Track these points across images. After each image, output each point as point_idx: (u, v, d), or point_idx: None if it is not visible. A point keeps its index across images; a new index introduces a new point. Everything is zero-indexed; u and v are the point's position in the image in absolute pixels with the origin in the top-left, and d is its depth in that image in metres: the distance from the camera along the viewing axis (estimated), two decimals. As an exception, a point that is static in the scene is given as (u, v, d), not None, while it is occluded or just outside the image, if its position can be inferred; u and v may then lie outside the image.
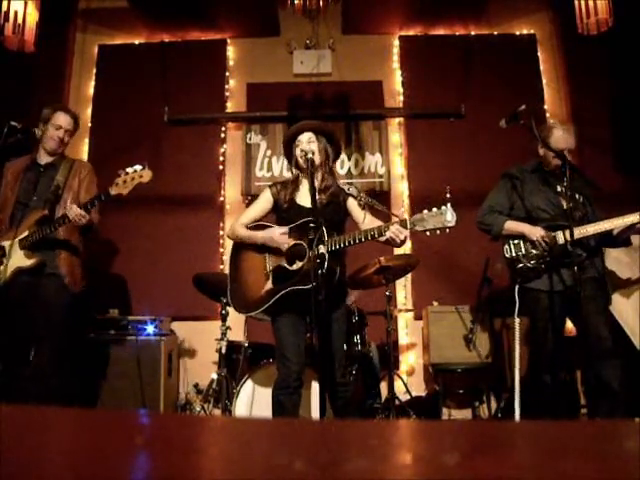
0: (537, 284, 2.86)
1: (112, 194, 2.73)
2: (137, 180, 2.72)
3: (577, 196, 2.89)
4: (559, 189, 2.96)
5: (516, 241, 2.91)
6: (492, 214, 3.04)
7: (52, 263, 2.91)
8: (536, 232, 2.84)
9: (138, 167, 2.74)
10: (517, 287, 2.88)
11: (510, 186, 3.07)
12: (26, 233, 2.84)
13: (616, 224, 2.75)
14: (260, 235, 2.56)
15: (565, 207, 2.87)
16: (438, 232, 2.26)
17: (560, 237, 2.80)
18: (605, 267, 2.97)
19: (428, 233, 2.27)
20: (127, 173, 2.72)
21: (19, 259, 2.84)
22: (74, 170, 3.08)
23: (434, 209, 2.26)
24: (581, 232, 2.72)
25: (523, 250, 2.88)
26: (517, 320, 2.90)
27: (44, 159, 3.07)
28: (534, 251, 2.85)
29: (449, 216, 2.22)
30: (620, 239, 2.89)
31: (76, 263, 3.02)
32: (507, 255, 2.94)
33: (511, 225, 2.95)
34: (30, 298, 2.86)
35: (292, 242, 2.47)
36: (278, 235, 2.49)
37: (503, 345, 3.86)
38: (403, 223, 2.30)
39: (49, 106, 3.08)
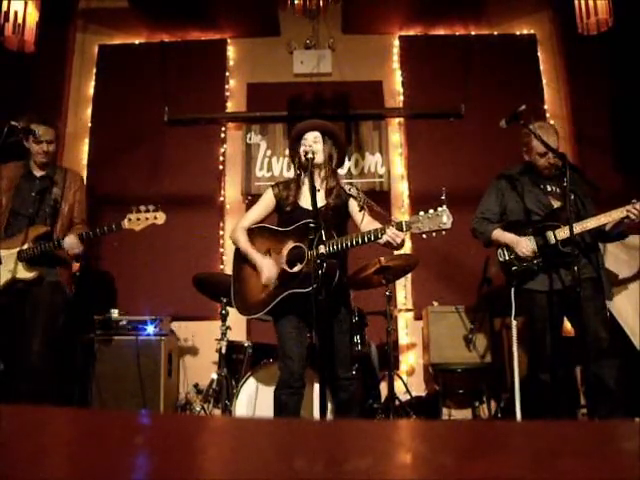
0: (533, 284, 2.87)
1: (124, 227, 2.81)
2: (151, 221, 2.82)
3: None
4: (549, 189, 2.97)
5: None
6: (482, 222, 3.06)
7: (51, 272, 2.96)
8: (519, 246, 2.86)
9: (151, 207, 2.83)
10: (513, 289, 2.90)
11: (502, 188, 3.07)
12: (26, 246, 2.88)
13: (603, 221, 2.76)
14: (256, 258, 2.55)
15: (555, 207, 2.89)
16: (434, 234, 2.26)
17: (550, 237, 2.82)
18: (602, 266, 2.97)
19: (424, 235, 2.27)
20: (140, 211, 2.81)
21: (17, 270, 2.87)
22: (68, 181, 3.12)
23: (430, 211, 2.26)
24: (567, 232, 2.73)
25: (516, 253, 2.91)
26: (514, 322, 2.92)
27: (38, 172, 3.09)
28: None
29: (445, 218, 2.22)
30: (614, 234, 2.90)
31: (70, 274, 3.13)
32: (501, 259, 2.96)
33: (498, 235, 2.97)
34: (26, 300, 2.89)
35: (276, 282, 2.47)
36: (268, 273, 2.48)
37: (503, 345, 3.86)
38: (399, 226, 2.30)
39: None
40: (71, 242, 2.83)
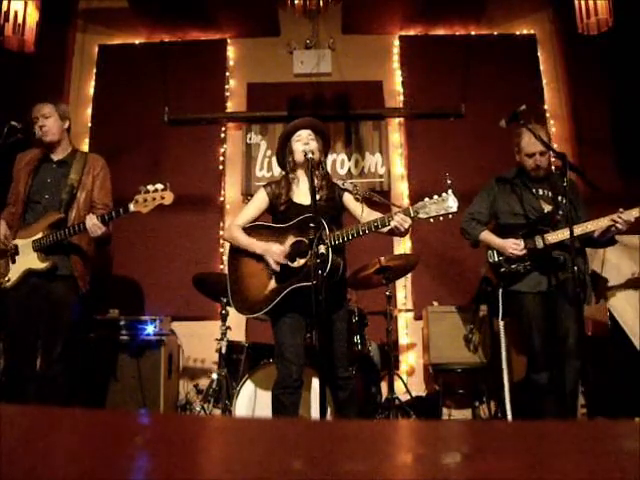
0: (521, 286, 2.91)
1: (131, 210, 2.70)
2: (158, 201, 2.69)
3: (560, 198, 2.91)
4: (541, 192, 2.99)
5: None
6: (470, 222, 3.09)
7: (65, 265, 2.86)
8: (508, 247, 2.88)
9: (159, 186, 2.70)
10: (501, 290, 2.95)
11: (494, 191, 3.11)
12: (40, 235, 2.80)
13: (590, 228, 2.79)
14: (259, 246, 2.53)
15: (546, 210, 2.91)
16: (441, 218, 2.29)
17: (539, 241, 2.84)
18: (588, 266, 3.01)
19: (432, 220, 2.30)
20: (148, 191, 2.68)
21: (31, 261, 2.79)
22: (87, 167, 3.01)
23: (435, 196, 2.30)
24: (557, 237, 2.79)
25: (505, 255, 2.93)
26: (501, 323, 2.98)
27: (56, 156, 3.01)
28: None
29: (451, 202, 2.25)
30: (602, 240, 2.91)
31: (86, 266, 2.97)
32: (490, 260, 2.99)
33: (486, 237, 3.01)
34: (39, 298, 2.81)
35: (285, 260, 2.46)
36: (277, 252, 2.47)
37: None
38: (406, 212, 2.32)
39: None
40: (93, 221, 2.69)
